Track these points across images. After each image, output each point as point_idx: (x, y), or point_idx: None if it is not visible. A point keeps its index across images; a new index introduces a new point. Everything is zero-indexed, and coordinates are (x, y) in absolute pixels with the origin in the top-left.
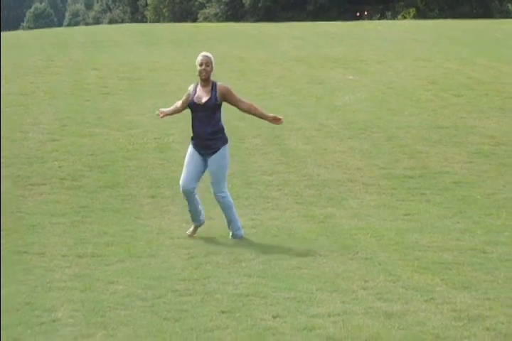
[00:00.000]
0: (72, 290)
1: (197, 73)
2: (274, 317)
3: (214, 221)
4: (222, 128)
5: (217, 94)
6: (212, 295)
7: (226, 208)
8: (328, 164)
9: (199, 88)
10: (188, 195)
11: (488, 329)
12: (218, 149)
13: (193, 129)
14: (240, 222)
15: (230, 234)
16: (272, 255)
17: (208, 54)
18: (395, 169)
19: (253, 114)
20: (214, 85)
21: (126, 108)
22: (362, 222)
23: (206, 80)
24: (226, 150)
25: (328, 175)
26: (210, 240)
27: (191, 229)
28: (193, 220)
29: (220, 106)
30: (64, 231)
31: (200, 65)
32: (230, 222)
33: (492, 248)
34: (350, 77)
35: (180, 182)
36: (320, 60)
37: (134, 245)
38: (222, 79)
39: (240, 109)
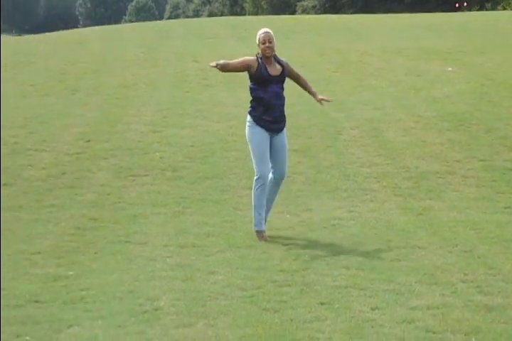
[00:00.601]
0: (173, 279)
1: (259, 51)
2: (373, 309)
3: (312, 213)
4: None
5: (285, 67)
6: (311, 287)
7: (279, 189)
8: (426, 156)
9: (265, 63)
10: (267, 183)
11: None
12: (284, 127)
13: (267, 104)
14: None
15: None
16: (371, 247)
17: (269, 30)
18: (495, 161)
19: (307, 90)
20: (277, 59)
21: (224, 100)
22: (461, 214)
23: (270, 57)
24: None
25: (427, 167)
26: (308, 231)
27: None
28: (259, 224)
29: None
30: (165, 221)
31: (264, 42)
32: (273, 201)
33: None
34: (449, 69)
35: (261, 170)
36: (418, 51)
37: (233, 236)
38: (320, 70)
39: (298, 82)
